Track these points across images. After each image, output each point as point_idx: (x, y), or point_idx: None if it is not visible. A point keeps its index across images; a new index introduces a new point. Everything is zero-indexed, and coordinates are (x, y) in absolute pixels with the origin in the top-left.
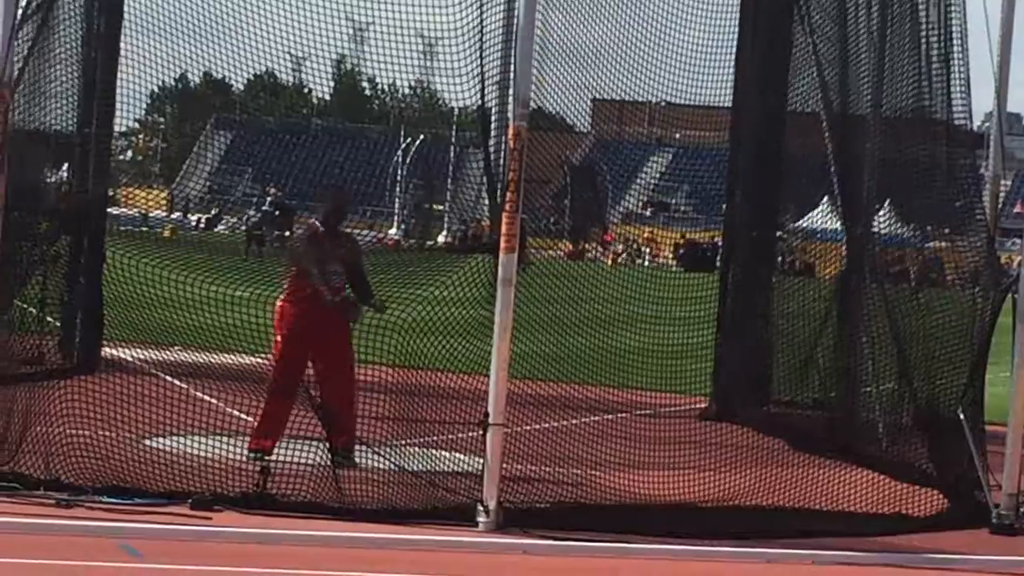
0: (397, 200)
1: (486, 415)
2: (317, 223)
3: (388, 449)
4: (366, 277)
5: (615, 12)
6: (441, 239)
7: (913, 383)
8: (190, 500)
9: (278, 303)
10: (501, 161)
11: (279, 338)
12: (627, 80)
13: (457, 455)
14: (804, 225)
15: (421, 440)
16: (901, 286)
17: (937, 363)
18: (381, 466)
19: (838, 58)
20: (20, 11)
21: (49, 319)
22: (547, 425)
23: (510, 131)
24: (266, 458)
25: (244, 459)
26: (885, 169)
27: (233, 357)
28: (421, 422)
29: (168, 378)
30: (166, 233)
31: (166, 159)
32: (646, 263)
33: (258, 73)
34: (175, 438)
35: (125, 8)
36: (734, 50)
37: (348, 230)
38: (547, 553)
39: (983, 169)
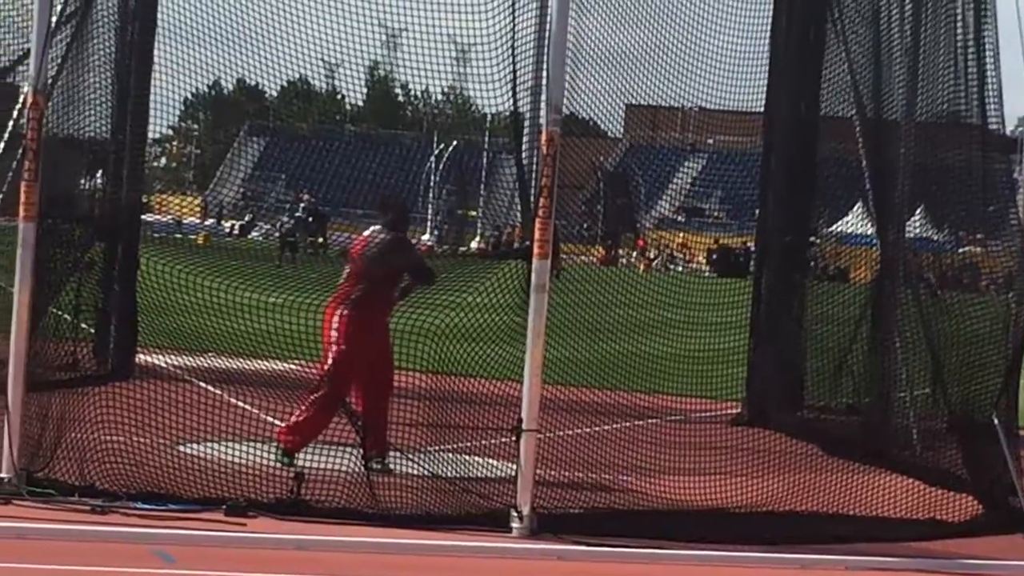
0: (430, 206)
1: (519, 421)
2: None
3: (422, 455)
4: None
5: (648, 17)
6: (474, 245)
7: (947, 388)
8: (224, 506)
9: (340, 311)
10: (534, 167)
11: (342, 345)
12: (660, 85)
13: (490, 461)
14: (837, 230)
15: (454, 446)
16: (934, 291)
17: (971, 368)
18: (415, 472)
19: (871, 62)
20: (54, 18)
21: (83, 325)
22: (580, 431)
23: (543, 137)
24: (294, 461)
25: (277, 464)
26: (918, 173)
27: (267, 363)
28: (454, 428)
29: (202, 384)
30: (200, 240)
31: (199, 166)
32: (679, 268)
33: (291, 80)
34: (209, 444)
35: (159, 15)
36: (767, 54)
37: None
38: (581, 559)
39: (1016, 173)
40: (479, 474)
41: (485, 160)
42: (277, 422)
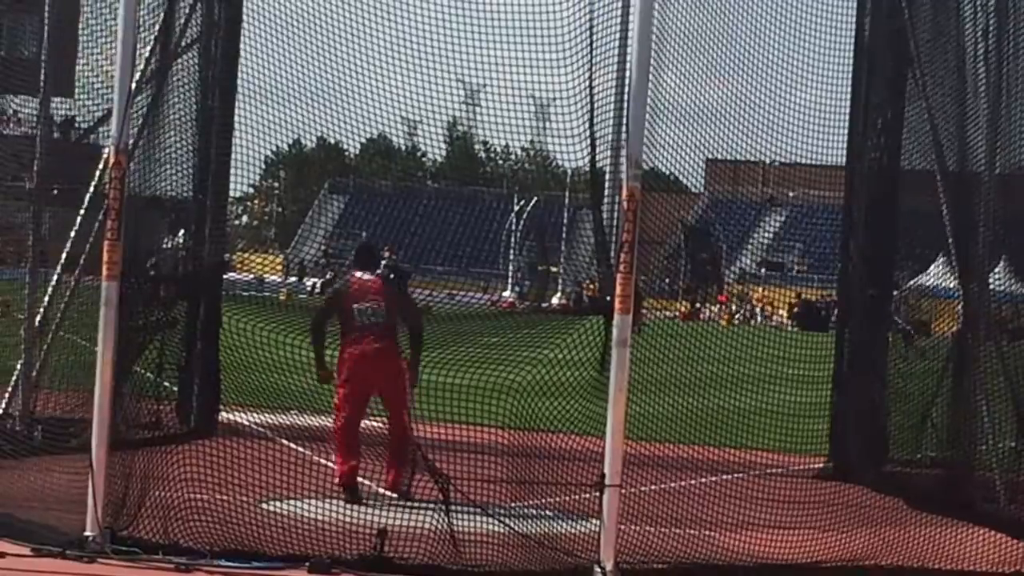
0: (511, 263)
1: (602, 476)
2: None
3: (505, 511)
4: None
5: (727, 71)
6: (555, 300)
7: None
8: (308, 563)
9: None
10: (615, 222)
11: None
12: (741, 139)
13: (574, 516)
14: (920, 283)
15: (538, 501)
16: (1018, 343)
17: None
18: (498, 528)
19: (953, 114)
20: (136, 78)
21: (166, 384)
22: (663, 486)
23: (624, 192)
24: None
25: (360, 519)
26: (1001, 225)
27: None
28: (537, 484)
29: (285, 441)
30: (281, 297)
31: (281, 224)
32: (761, 322)
33: (372, 137)
34: (292, 501)
35: (239, 74)
36: (848, 107)
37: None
38: None
39: None
40: (562, 530)
41: (566, 216)
42: (361, 480)
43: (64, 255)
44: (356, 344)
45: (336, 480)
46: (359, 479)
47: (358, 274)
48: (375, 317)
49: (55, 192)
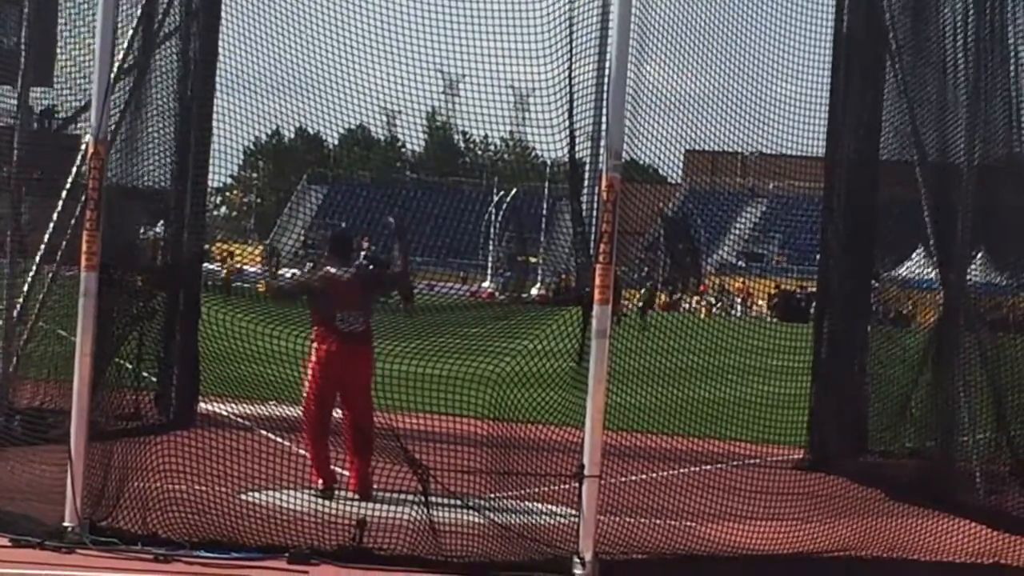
0: (490, 253)
1: (581, 467)
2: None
3: (483, 502)
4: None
5: (707, 63)
6: (535, 291)
7: (1010, 431)
8: (287, 554)
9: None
10: (594, 213)
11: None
12: (720, 130)
13: (552, 507)
14: (899, 274)
15: (517, 492)
16: (997, 334)
17: None
18: (478, 519)
19: (932, 106)
20: (115, 68)
21: (145, 375)
22: (643, 476)
23: (603, 183)
24: (333, 495)
25: (337, 511)
26: (979, 217)
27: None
28: (516, 475)
29: (264, 432)
30: (260, 288)
31: (260, 214)
32: (740, 313)
33: (351, 128)
34: (271, 492)
35: (219, 65)
36: (827, 98)
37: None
38: None
39: None
40: (541, 521)
41: (545, 206)
42: (339, 470)
43: (43, 245)
44: (330, 341)
45: (317, 485)
46: (335, 469)
47: (333, 271)
48: (355, 324)
49: (35, 181)
